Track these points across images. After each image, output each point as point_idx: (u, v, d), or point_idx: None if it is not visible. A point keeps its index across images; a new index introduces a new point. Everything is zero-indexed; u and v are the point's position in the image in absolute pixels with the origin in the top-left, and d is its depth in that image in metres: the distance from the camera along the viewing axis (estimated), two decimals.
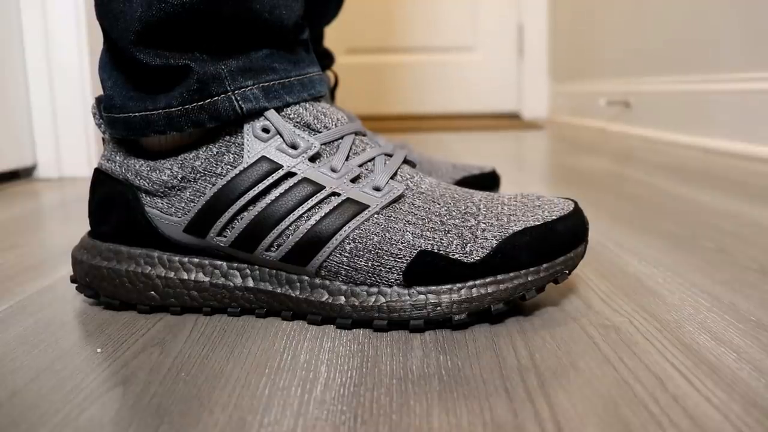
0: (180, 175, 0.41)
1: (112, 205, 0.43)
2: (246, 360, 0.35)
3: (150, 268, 0.42)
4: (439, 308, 0.38)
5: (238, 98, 0.40)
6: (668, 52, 1.55)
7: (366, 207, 0.40)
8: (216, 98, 0.40)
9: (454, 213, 0.40)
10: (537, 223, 0.40)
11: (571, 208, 0.41)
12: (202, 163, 0.41)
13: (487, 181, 0.75)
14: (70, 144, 1.13)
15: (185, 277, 0.42)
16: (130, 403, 0.30)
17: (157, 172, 0.42)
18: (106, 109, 0.43)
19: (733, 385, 0.31)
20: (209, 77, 0.40)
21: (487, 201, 0.42)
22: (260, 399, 0.31)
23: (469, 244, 0.39)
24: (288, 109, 0.42)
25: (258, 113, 0.41)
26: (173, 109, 0.40)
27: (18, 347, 0.37)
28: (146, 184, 0.42)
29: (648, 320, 0.40)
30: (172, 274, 0.42)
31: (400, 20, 2.54)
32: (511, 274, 0.39)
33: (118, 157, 0.43)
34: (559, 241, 0.40)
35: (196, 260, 0.42)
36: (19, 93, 1.08)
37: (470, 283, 0.38)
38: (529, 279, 0.39)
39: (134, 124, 0.42)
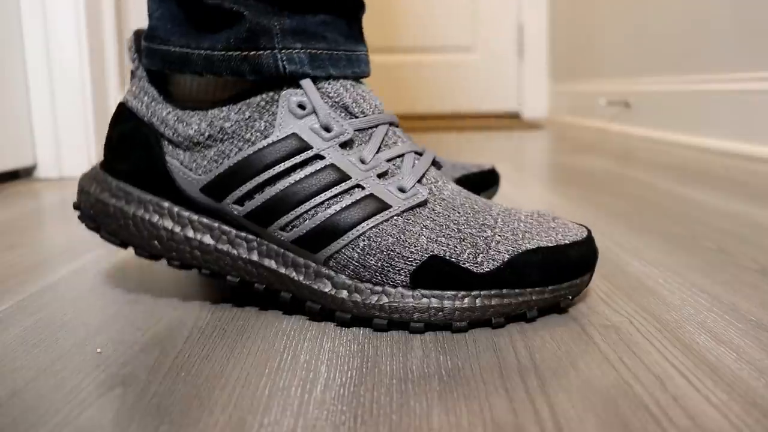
0: (207, 133, 0.40)
1: (133, 144, 0.42)
2: (246, 360, 0.35)
3: (158, 218, 0.41)
4: (440, 313, 0.38)
5: (284, 57, 0.39)
6: (668, 52, 1.55)
7: (388, 207, 0.39)
8: (261, 52, 0.39)
9: (472, 222, 0.40)
10: (550, 244, 0.40)
11: (584, 236, 0.41)
12: (231, 125, 0.40)
13: (487, 180, 0.75)
14: (70, 144, 1.12)
15: (191, 235, 0.41)
16: (130, 403, 0.30)
17: (184, 124, 0.40)
18: (147, 38, 0.42)
19: (733, 385, 0.31)
20: (260, 30, 0.39)
21: (505, 215, 0.41)
22: (260, 399, 0.31)
23: (481, 255, 0.39)
24: (329, 86, 0.41)
25: (299, 77, 0.40)
26: (215, 53, 0.39)
27: (18, 347, 0.37)
28: (170, 134, 0.41)
29: (648, 320, 0.40)
30: (178, 229, 0.41)
31: (400, 20, 2.54)
32: (517, 291, 0.39)
33: (145, 98, 0.42)
34: (569, 265, 0.40)
35: (205, 221, 0.41)
36: (19, 93, 1.08)
37: (475, 292, 0.38)
38: (534, 298, 0.39)
39: (173, 59, 0.41)
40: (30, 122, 1.11)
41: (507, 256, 0.39)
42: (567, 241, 0.40)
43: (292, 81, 0.40)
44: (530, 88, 2.56)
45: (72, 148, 1.13)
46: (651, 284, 0.47)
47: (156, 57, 0.41)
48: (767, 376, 0.32)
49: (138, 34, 0.44)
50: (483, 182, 0.74)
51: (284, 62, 0.39)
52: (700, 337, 0.37)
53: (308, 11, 0.40)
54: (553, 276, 0.39)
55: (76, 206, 0.44)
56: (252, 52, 0.39)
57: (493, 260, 0.39)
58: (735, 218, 0.67)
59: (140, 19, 1.34)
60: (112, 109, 1.21)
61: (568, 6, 2.32)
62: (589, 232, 0.42)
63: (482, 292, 0.38)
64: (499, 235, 0.40)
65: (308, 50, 0.40)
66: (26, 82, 1.10)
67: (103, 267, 0.54)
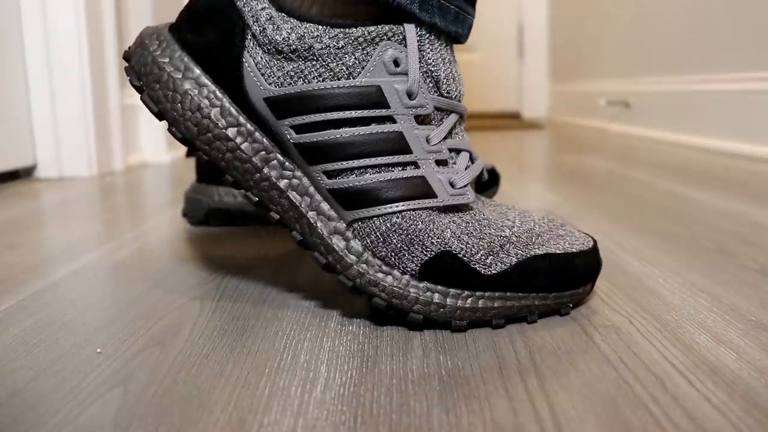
0: (294, 46, 0.38)
1: (216, 23, 0.40)
2: (246, 360, 0.35)
3: (208, 105, 0.39)
4: (441, 310, 0.38)
5: None
6: (668, 52, 1.55)
7: (433, 196, 0.39)
8: None
9: (492, 223, 0.40)
10: (558, 251, 0.40)
11: (590, 245, 0.42)
12: (321, 47, 0.38)
13: (487, 179, 0.75)
14: (70, 144, 1.12)
15: (232, 136, 0.39)
16: (130, 403, 0.30)
17: (274, 27, 0.39)
18: None
19: (733, 385, 0.31)
20: None
21: (521, 218, 0.42)
22: (260, 399, 0.31)
23: (491, 256, 0.39)
24: (430, 51, 0.40)
25: (405, 14, 0.39)
26: None
27: (18, 347, 0.37)
28: (258, 31, 0.39)
29: (648, 320, 0.40)
30: (222, 125, 0.39)
31: None
32: (521, 295, 0.39)
33: None
34: (574, 274, 0.40)
35: (252, 128, 0.40)
36: (19, 93, 1.08)
37: (479, 293, 0.38)
38: (536, 303, 0.39)
39: None
40: (30, 122, 1.11)
41: (516, 259, 0.39)
42: (574, 250, 0.40)
43: (397, 16, 0.39)
44: (530, 88, 2.56)
45: (72, 148, 1.13)
46: (651, 284, 0.47)
47: None
48: (767, 376, 0.32)
49: None
50: (483, 182, 0.74)
51: None
52: (700, 337, 0.37)
53: None
54: (558, 283, 0.39)
55: (126, 57, 0.42)
56: None
57: (501, 263, 0.39)
58: (735, 218, 0.67)
59: (140, 20, 1.34)
60: (113, 109, 1.21)
61: (568, 6, 2.32)
62: (595, 242, 0.42)
63: (486, 294, 0.38)
64: (515, 236, 0.40)
65: None
66: (26, 82, 1.10)
67: (103, 267, 0.54)
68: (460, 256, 0.38)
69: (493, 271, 0.38)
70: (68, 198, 0.92)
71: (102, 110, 1.17)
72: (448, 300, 0.38)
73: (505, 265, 0.39)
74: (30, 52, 1.09)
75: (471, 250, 0.39)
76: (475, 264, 0.38)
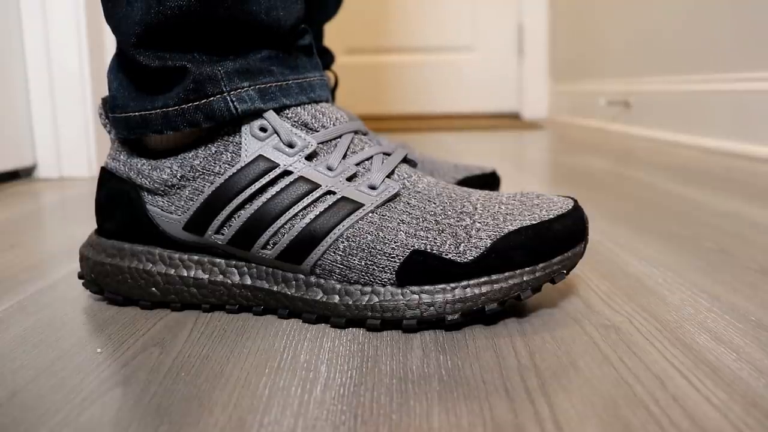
0: (179, 174, 0.42)
1: (116, 203, 0.44)
2: (246, 360, 0.35)
3: (151, 265, 0.43)
4: (432, 308, 0.38)
5: (233, 99, 0.41)
6: (668, 52, 1.55)
7: (361, 206, 0.40)
8: (211, 98, 0.40)
9: (449, 212, 0.40)
10: (533, 222, 0.39)
11: (570, 207, 0.41)
12: (200, 162, 0.41)
13: (488, 182, 0.75)
14: (70, 144, 1.12)
15: (185, 274, 0.42)
16: (130, 403, 0.30)
17: (158, 170, 0.42)
18: (111, 109, 0.44)
19: (733, 385, 0.31)
20: (205, 78, 0.40)
21: (485, 200, 0.41)
22: (260, 399, 0.31)
23: (462, 244, 0.39)
24: (286, 110, 0.42)
25: (254, 114, 0.41)
26: (170, 109, 0.41)
27: (18, 347, 0.37)
28: (147, 183, 0.42)
29: (648, 320, 0.40)
30: (172, 271, 0.42)
31: (400, 20, 2.54)
32: (506, 274, 0.38)
33: (122, 156, 0.44)
34: (556, 240, 0.39)
35: (195, 257, 0.42)
36: (19, 93, 1.08)
37: (464, 282, 0.38)
38: (525, 279, 0.39)
39: (134, 124, 0.42)
40: (30, 122, 1.11)
41: (489, 241, 0.39)
42: (551, 216, 0.40)
43: (250, 119, 0.41)
44: (530, 88, 2.56)
45: (72, 148, 1.13)
46: (651, 284, 0.47)
47: (120, 125, 0.43)
48: (767, 376, 0.32)
49: (105, 101, 0.46)
50: (484, 184, 0.74)
51: (234, 103, 0.41)
52: (700, 337, 0.37)
53: (249, 51, 0.42)
54: (541, 253, 0.39)
55: (80, 275, 0.46)
56: (202, 101, 0.41)
57: (475, 248, 0.39)
58: (735, 218, 0.67)
59: None
60: None
61: (568, 6, 2.32)
62: (575, 202, 0.42)
63: (471, 282, 0.38)
64: (479, 222, 0.40)
65: (257, 86, 0.41)
66: (26, 82, 1.10)
67: None
68: (429, 250, 0.38)
69: (470, 258, 0.38)
70: (68, 198, 0.92)
71: None
72: (435, 297, 0.38)
73: (480, 249, 0.38)
74: (30, 52, 1.09)
75: (435, 242, 0.39)
76: (447, 254, 0.38)
